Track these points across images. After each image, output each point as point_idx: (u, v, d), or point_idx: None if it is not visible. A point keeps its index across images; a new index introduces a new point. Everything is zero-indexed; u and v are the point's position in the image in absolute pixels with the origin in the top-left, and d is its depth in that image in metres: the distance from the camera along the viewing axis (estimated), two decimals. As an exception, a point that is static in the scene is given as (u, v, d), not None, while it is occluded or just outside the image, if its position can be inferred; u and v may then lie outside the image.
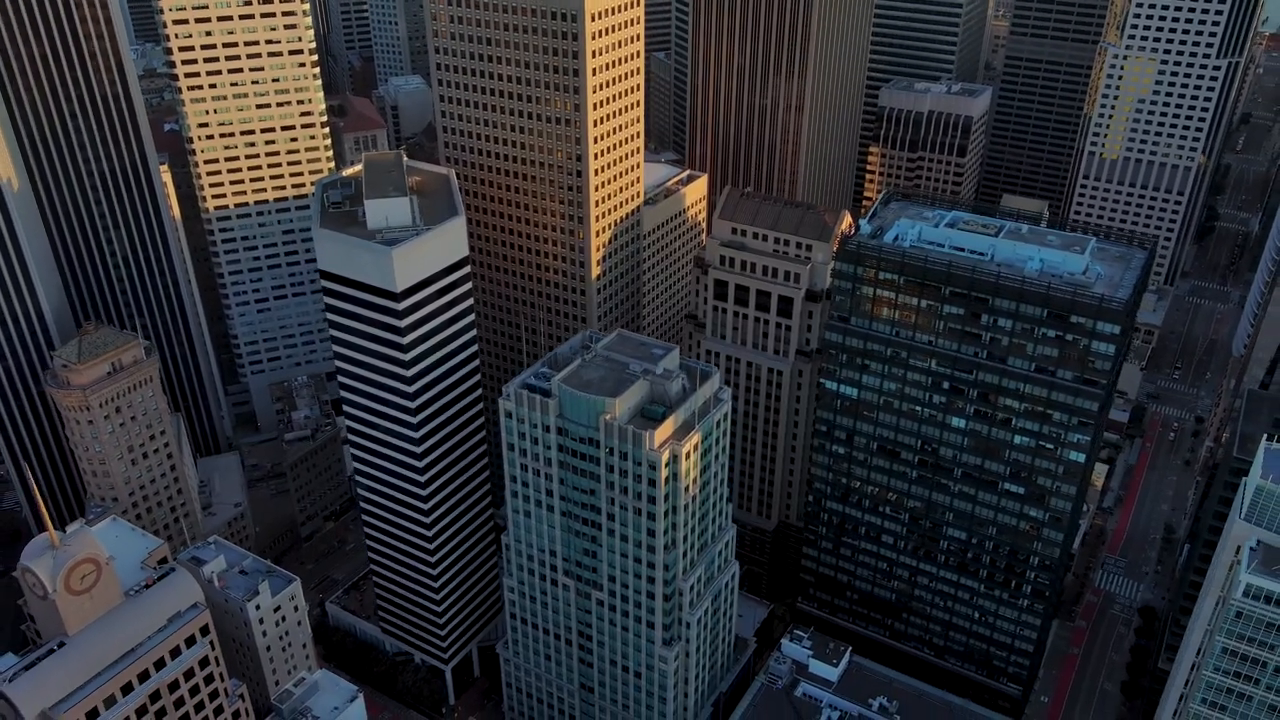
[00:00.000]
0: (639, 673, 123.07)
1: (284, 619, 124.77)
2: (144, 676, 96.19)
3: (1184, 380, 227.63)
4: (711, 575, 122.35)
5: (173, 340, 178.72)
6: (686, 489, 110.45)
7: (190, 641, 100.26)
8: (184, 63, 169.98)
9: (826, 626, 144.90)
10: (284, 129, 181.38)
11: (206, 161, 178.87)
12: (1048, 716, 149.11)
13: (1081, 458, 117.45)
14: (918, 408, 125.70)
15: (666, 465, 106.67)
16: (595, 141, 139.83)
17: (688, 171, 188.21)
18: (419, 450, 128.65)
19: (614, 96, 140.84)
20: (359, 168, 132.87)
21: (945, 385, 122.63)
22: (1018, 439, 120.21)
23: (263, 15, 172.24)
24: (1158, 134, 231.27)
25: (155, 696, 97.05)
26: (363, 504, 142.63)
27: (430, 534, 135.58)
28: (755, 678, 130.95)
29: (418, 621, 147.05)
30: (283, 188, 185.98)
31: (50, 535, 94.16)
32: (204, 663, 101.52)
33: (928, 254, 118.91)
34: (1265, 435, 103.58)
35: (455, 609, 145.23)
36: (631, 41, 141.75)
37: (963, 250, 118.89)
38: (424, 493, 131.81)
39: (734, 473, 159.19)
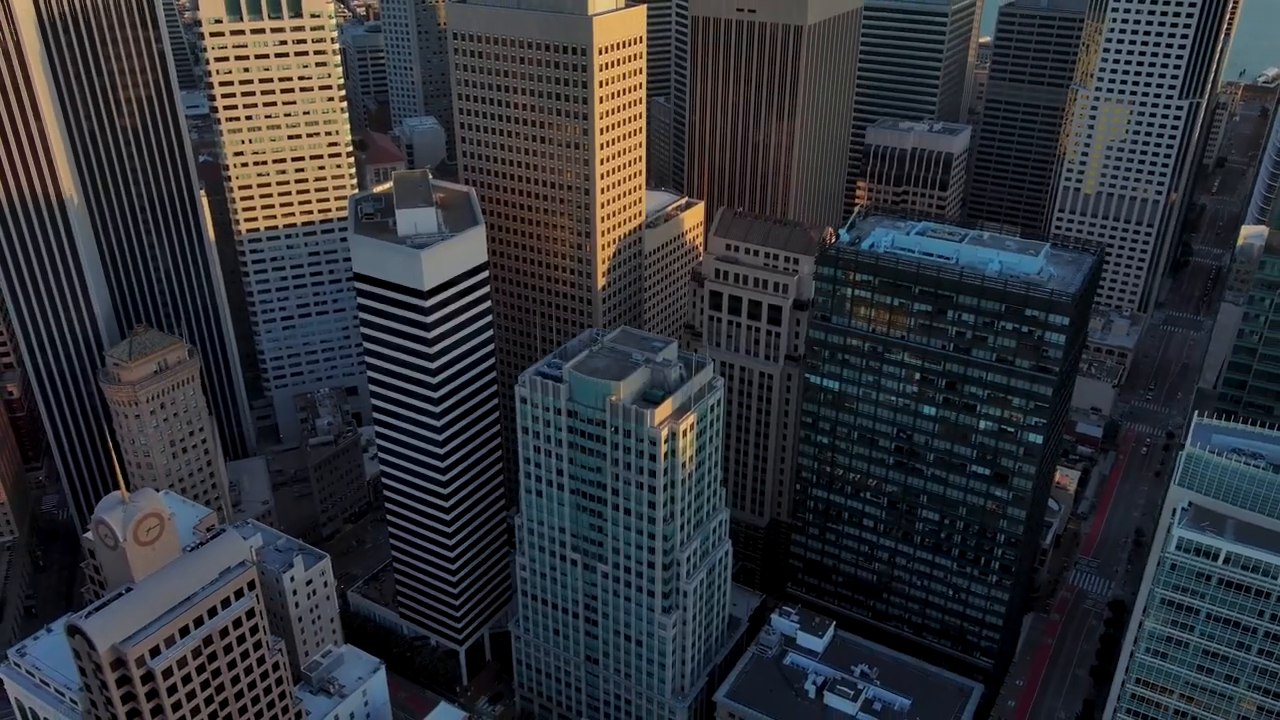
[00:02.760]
0: (640, 640, 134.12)
1: (315, 592, 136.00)
2: (198, 622, 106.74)
3: (1157, 400, 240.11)
4: (707, 550, 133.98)
5: (207, 349, 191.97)
6: (684, 464, 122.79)
7: (239, 594, 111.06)
8: (223, 96, 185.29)
9: (815, 609, 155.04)
10: (313, 158, 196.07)
11: (241, 187, 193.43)
12: (1022, 698, 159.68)
13: (1040, 440, 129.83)
14: (893, 398, 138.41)
15: (665, 442, 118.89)
16: (602, 164, 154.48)
17: (685, 199, 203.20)
18: (440, 439, 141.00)
19: (619, 123, 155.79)
20: (389, 185, 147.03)
21: (917, 376, 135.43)
22: (982, 424, 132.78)
23: (296, 54, 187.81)
24: (1128, 170, 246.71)
25: (208, 641, 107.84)
26: (386, 493, 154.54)
27: (449, 518, 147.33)
28: (747, 650, 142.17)
29: (434, 605, 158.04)
30: (310, 213, 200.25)
31: (122, 493, 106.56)
32: (250, 614, 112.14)
33: (899, 258, 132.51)
34: (1197, 412, 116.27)
35: (470, 592, 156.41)
36: (635, 74, 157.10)
37: (930, 254, 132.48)
38: (444, 478, 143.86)
39: (728, 472, 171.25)
